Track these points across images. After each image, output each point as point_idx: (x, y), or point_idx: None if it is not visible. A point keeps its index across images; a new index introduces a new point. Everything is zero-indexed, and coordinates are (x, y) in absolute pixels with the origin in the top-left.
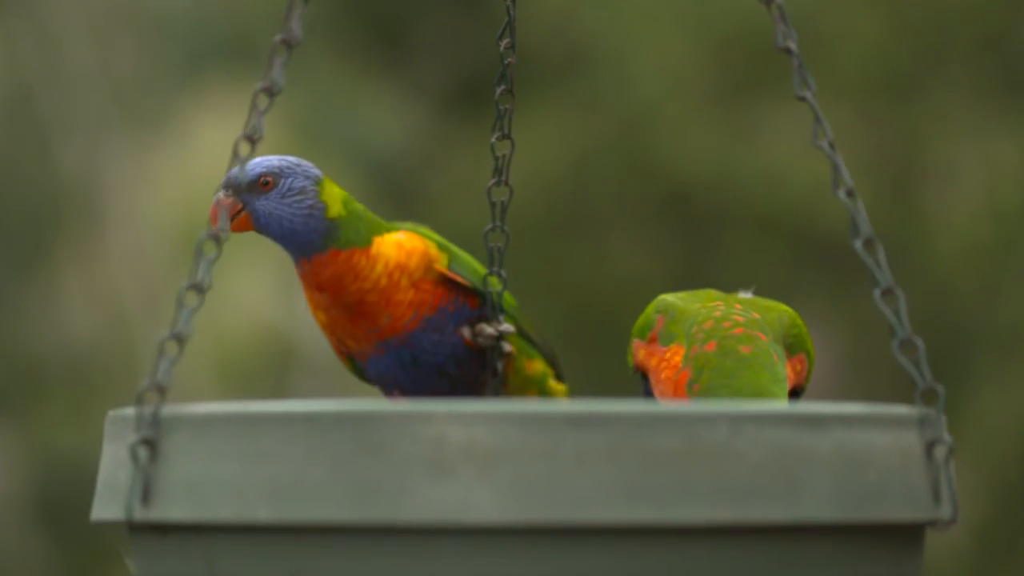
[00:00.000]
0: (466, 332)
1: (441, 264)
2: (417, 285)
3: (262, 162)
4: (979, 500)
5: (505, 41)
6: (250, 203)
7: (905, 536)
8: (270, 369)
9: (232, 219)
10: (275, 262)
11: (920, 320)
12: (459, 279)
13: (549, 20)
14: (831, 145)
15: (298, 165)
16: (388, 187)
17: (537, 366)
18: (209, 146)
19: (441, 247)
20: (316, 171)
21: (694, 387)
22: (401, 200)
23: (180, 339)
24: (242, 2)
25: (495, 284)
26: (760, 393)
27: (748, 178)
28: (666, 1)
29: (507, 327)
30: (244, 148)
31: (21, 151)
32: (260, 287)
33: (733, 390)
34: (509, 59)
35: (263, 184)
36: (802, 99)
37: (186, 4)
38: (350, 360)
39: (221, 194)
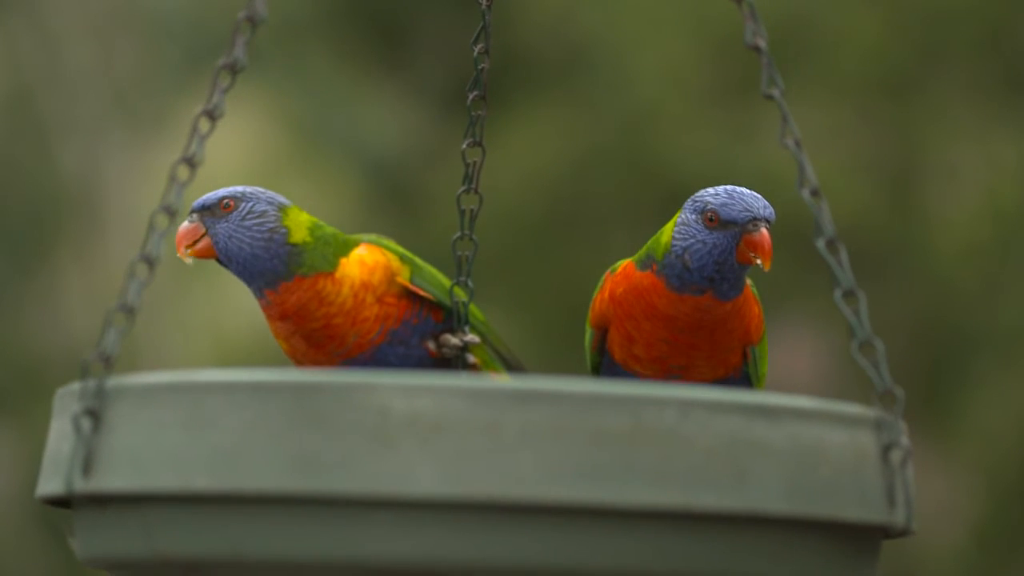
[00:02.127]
0: (431, 344)
1: (403, 277)
2: (381, 300)
3: (229, 189)
4: (979, 500)
5: (479, 46)
6: (211, 227)
7: (858, 539)
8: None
9: (194, 243)
10: None
11: (920, 320)
12: (422, 292)
13: (549, 20)
14: (797, 144)
15: (264, 192)
16: (388, 187)
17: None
18: (209, 146)
19: (403, 259)
20: (283, 199)
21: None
22: (401, 200)
23: (129, 311)
24: (242, 2)
25: (461, 295)
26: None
27: (747, 178)
28: (665, 1)
29: (472, 338)
30: (204, 125)
31: (21, 151)
32: None
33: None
34: (483, 64)
35: (224, 207)
36: (769, 97)
37: (186, 4)
38: None
39: (187, 220)
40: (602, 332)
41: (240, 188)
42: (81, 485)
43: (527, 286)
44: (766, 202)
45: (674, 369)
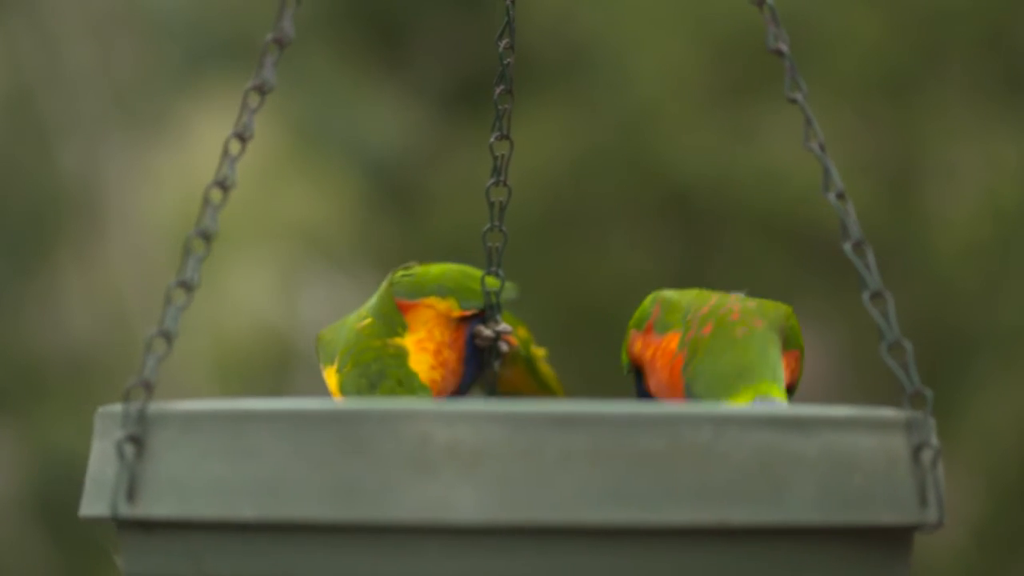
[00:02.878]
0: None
1: (455, 311)
2: (452, 345)
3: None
4: (979, 500)
5: (504, 41)
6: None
7: (892, 539)
8: (269, 369)
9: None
10: (275, 262)
11: (920, 320)
12: (471, 312)
13: (548, 20)
14: (822, 147)
15: None
16: (388, 187)
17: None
18: (209, 146)
19: (443, 295)
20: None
21: (687, 369)
22: (401, 200)
23: (168, 336)
24: (242, 2)
25: (492, 284)
26: (744, 369)
27: (748, 178)
28: (665, 1)
29: (504, 327)
30: (234, 146)
31: (21, 151)
32: (260, 287)
33: (717, 368)
34: (508, 59)
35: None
36: (793, 101)
37: (185, 4)
38: None
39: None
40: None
41: None
42: (126, 511)
43: (526, 286)
44: None
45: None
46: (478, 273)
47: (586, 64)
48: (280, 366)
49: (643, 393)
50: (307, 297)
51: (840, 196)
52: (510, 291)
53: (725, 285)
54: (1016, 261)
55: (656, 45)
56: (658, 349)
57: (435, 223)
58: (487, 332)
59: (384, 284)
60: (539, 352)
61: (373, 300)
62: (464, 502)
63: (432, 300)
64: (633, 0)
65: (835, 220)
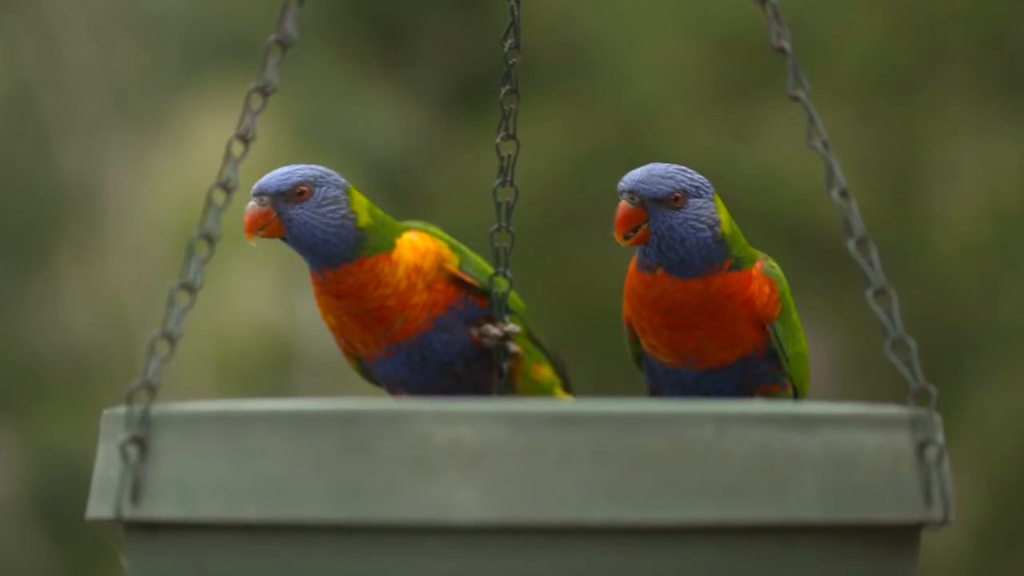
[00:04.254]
0: (474, 331)
1: (453, 264)
2: (431, 286)
3: (296, 171)
4: (979, 500)
5: (509, 42)
6: (284, 212)
7: (898, 537)
8: (269, 369)
9: (264, 226)
10: (275, 262)
11: (920, 320)
12: (469, 279)
13: (549, 20)
14: (825, 145)
15: (328, 174)
16: (388, 187)
17: (545, 372)
18: (208, 146)
19: (452, 247)
20: (343, 180)
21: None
22: (401, 200)
23: (171, 338)
24: (241, 2)
25: (501, 284)
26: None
27: (748, 178)
28: (666, 1)
29: (512, 327)
30: (237, 148)
31: (21, 151)
32: (260, 287)
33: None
34: (514, 59)
35: (298, 193)
36: (796, 99)
37: (185, 4)
38: (356, 360)
39: (254, 202)
40: (631, 327)
41: (310, 170)
42: (130, 512)
43: (526, 286)
44: (639, 175)
45: (689, 354)
46: (490, 269)
47: (586, 64)
48: (280, 366)
49: (655, 389)
50: (307, 298)
51: (843, 194)
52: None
53: None
54: (1016, 261)
55: (656, 45)
56: (629, 272)
57: (435, 223)
58: (495, 331)
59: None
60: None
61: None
62: (465, 502)
63: (440, 243)
64: (633, 0)
65: (836, 219)
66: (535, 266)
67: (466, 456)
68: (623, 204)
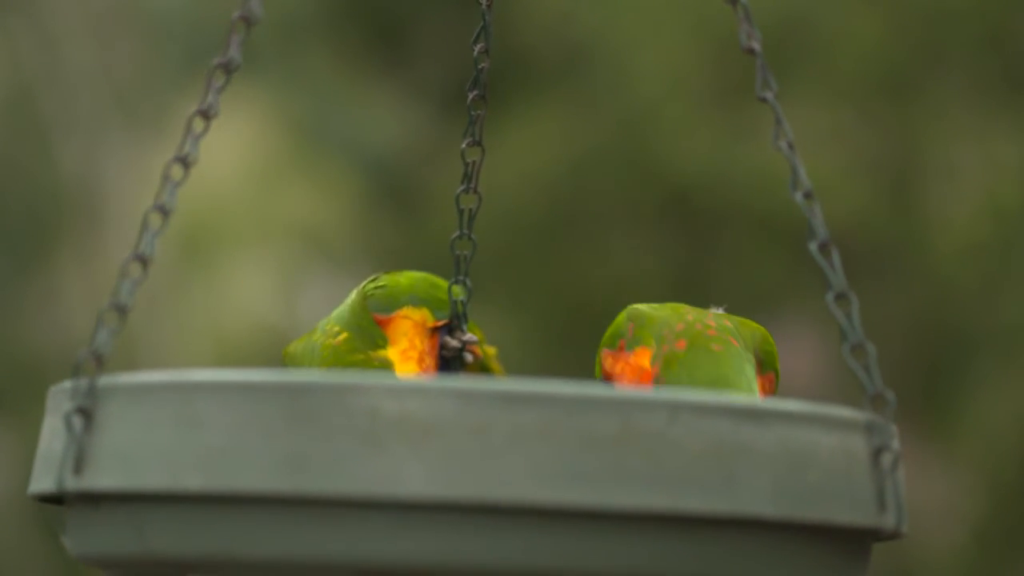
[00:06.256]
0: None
1: (430, 321)
2: (430, 353)
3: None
4: (979, 500)
5: (479, 46)
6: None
7: (848, 542)
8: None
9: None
10: (275, 262)
11: (920, 320)
12: (443, 322)
13: (549, 20)
14: (790, 146)
15: None
16: (388, 187)
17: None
18: (208, 146)
19: (416, 304)
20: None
21: (659, 382)
22: (401, 200)
23: (121, 309)
24: (242, 3)
25: (458, 293)
26: (720, 381)
27: (748, 178)
28: (665, 1)
29: (470, 337)
30: (198, 124)
31: (21, 151)
32: (260, 287)
33: (693, 379)
34: (483, 64)
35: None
36: (763, 100)
37: (186, 4)
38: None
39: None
40: None
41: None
42: (72, 483)
43: (525, 286)
44: None
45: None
46: (444, 283)
47: (586, 64)
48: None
49: None
50: (307, 297)
51: (807, 196)
52: (460, 294)
53: (725, 284)
54: (1016, 261)
55: (656, 45)
56: (627, 364)
57: (435, 223)
58: (453, 343)
59: (355, 297)
60: (491, 351)
61: (344, 314)
62: (413, 477)
63: (407, 311)
64: (633, 0)
65: (835, 219)
66: (535, 266)
67: (415, 431)
68: None
